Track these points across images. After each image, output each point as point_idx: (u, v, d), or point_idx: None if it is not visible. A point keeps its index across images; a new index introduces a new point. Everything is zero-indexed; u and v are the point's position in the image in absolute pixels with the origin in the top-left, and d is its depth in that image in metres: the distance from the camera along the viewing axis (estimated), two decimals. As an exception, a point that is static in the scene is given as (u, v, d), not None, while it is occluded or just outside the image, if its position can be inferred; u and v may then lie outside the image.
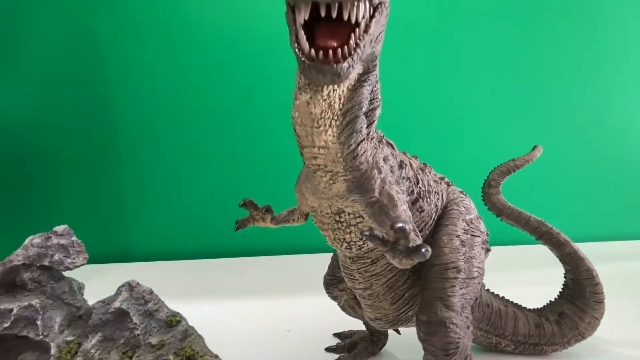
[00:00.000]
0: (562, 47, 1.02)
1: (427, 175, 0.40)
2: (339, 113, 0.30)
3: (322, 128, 0.30)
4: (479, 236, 0.40)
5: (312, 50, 0.25)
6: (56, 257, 0.52)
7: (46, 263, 0.51)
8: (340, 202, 0.34)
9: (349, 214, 0.35)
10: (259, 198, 1.05)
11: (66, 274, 0.53)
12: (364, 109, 0.31)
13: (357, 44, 0.25)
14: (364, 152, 0.32)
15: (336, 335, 0.56)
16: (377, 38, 0.28)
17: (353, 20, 0.25)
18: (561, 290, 0.53)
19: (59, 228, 0.54)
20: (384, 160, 0.34)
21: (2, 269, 0.50)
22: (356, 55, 0.25)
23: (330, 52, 0.24)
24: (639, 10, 1.02)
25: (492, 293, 0.51)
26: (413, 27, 0.98)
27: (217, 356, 0.48)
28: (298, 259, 0.94)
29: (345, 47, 0.25)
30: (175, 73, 0.97)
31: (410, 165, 0.38)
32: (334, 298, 0.49)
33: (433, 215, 0.39)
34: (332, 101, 0.29)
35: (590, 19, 1.02)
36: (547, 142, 1.02)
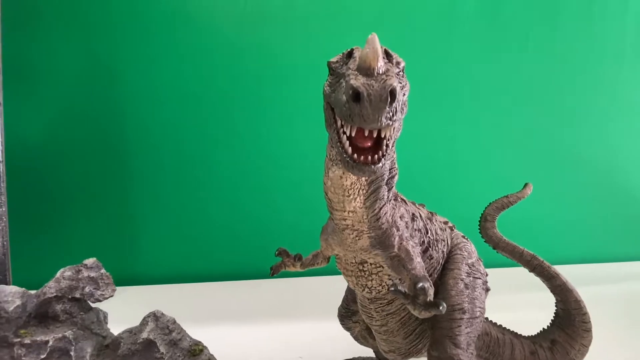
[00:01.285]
0: (549, 84, 1.10)
1: (434, 224, 0.45)
2: (365, 184, 0.35)
3: (351, 197, 0.35)
4: (479, 278, 0.45)
5: (355, 155, 0.30)
6: (87, 289, 0.55)
7: (77, 295, 0.55)
8: (364, 255, 0.39)
9: (371, 264, 0.40)
10: (273, 223, 1.09)
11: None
12: (385, 179, 0.36)
13: (387, 146, 0.30)
14: (385, 214, 0.37)
15: (346, 362, 0.60)
16: (398, 129, 0.33)
17: (388, 135, 0.30)
18: (553, 318, 0.58)
19: (89, 261, 0.58)
20: (400, 218, 0.39)
21: (36, 301, 0.53)
22: (387, 154, 0.30)
23: (369, 157, 0.30)
24: (622, 46, 1.11)
25: (491, 322, 0.55)
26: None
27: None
28: (310, 282, 0.96)
29: (380, 151, 0.30)
30: (186, 104, 1.02)
31: (420, 216, 0.43)
32: (348, 329, 0.53)
33: (440, 261, 0.44)
34: None
35: (576, 57, 1.10)
36: (535, 174, 1.09)
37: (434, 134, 1.07)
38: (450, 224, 0.49)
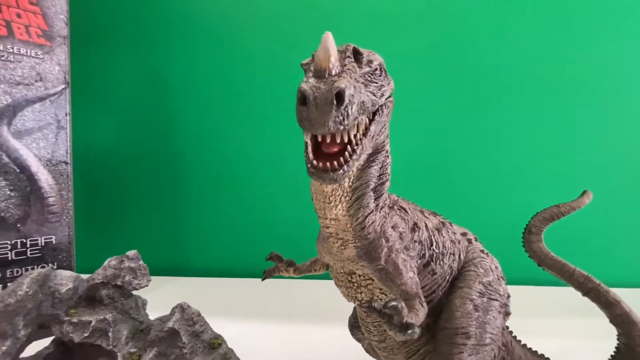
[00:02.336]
0: (614, 82, 0.93)
1: (444, 236, 0.40)
2: (348, 190, 0.33)
3: (332, 204, 0.33)
4: (496, 299, 0.39)
5: (314, 161, 0.28)
6: (127, 278, 0.61)
7: (119, 282, 0.61)
8: (352, 265, 0.37)
9: (359, 275, 0.38)
10: (305, 226, 1.10)
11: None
12: (371, 186, 0.33)
13: (353, 151, 0.28)
14: (371, 223, 0.34)
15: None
16: (380, 131, 0.30)
17: (346, 140, 0.28)
18: (613, 354, 0.49)
19: (130, 253, 0.64)
20: (392, 228, 0.36)
21: (87, 285, 0.61)
22: (352, 161, 0.28)
23: (328, 164, 0.28)
24: None
25: (530, 349, 0.48)
26: (440, 73, 0.97)
27: (250, 381, 0.52)
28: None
29: (341, 157, 0.28)
30: (231, 113, 1.09)
31: (426, 226, 0.39)
32: (358, 340, 0.51)
33: (447, 277, 0.39)
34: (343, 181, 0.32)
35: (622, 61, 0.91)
36: (596, 180, 0.92)
37: (482, 135, 0.98)
38: (469, 236, 0.44)
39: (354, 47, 0.30)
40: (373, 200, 0.34)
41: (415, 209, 0.40)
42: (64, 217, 0.73)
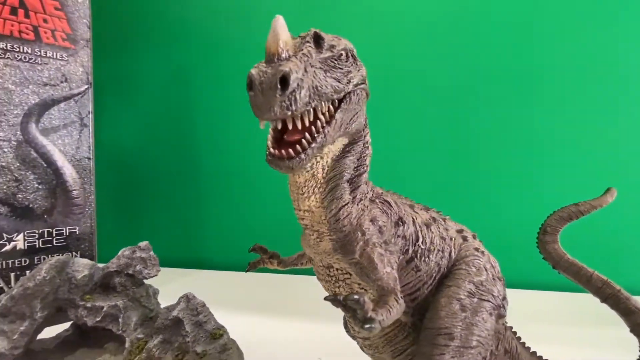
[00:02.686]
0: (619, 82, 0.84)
1: (433, 232, 0.38)
2: (322, 181, 0.32)
3: (305, 195, 0.33)
4: (488, 300, 0.36)
5: (271, 149, 0.28)
6: (138, 267, 0.64)
7: (131, 271, 0.64)
8: (328, 258, 0.36)
9: (337, 269, 0.37)
10: None
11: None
12: (346, 177, 0.32)
13: (313, 138, 0.27)
14: (347, 215, 0.33)
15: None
16: (350, 120, 0.29)
17: (300, 127, 0.27)
18: (634, 366, 0.44)
19: (142, 244, 0.67)
20: (371, 221, 0.34)
21: (102, 273, 0.64)
22: (310, 149, 0.27)
23: (284, 151, 0.27)
24: None
25: (540, 357, 0.45)
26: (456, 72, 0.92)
27: (247, 372, 0.53)
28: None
29: (298, 145, 0.27)
30: (249, 109, 1.11)
31: (413, 221, 0.37)
32: (353, 338, 0.50)
33: (434, 275, 0.37)
34: (316, 171, 0.32)
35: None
36: (620, 177, 0.84)
37: (495, 130, 0.92)
38: (465, 233, 0.41)
39: (314, 32, 0.29)
40: (349, 192, 0.33)
41: (404, 203, 0.38)
42: (87, 209, 0.78)
